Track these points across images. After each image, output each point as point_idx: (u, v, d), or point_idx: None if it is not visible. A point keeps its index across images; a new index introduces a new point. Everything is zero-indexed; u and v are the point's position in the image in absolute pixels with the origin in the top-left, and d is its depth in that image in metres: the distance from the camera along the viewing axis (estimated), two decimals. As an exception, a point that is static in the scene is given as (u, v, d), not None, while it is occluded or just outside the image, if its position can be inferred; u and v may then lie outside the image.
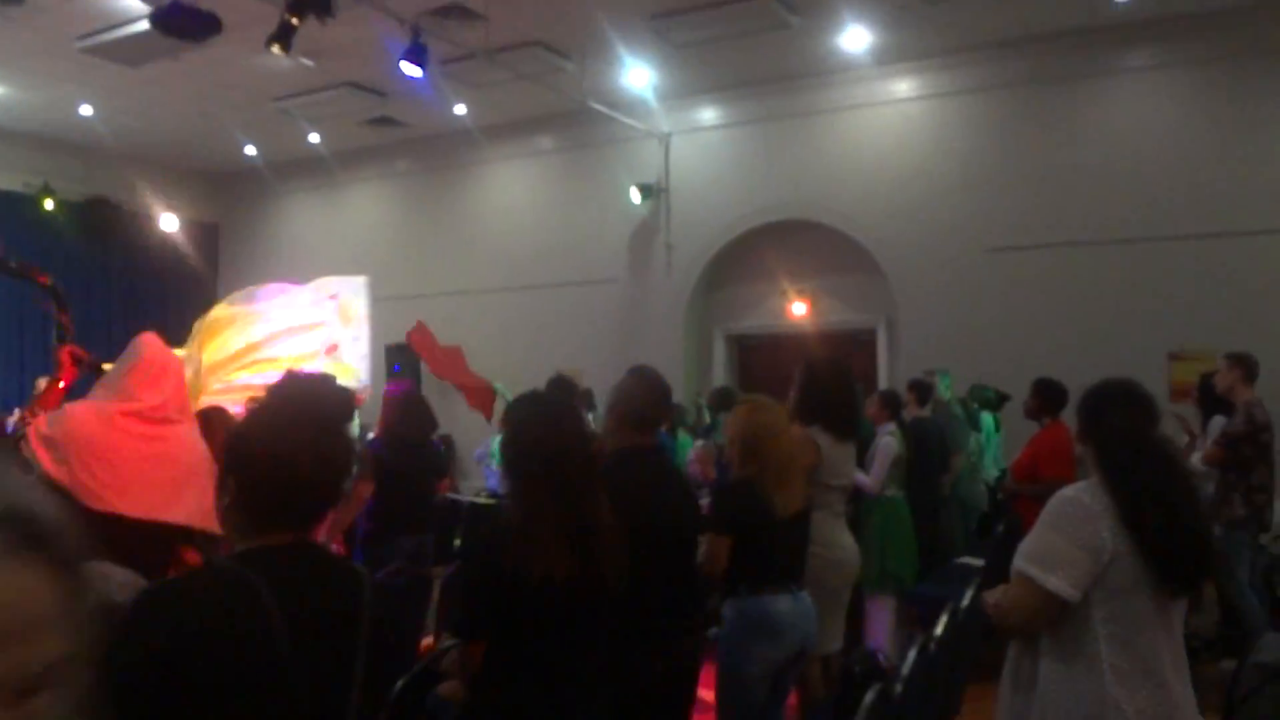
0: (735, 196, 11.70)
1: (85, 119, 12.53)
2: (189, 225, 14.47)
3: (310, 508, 1.89)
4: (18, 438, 3.40)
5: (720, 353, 12.34)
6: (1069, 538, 2.48)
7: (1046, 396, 5.86)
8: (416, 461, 5.85)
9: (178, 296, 14.42)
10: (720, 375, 12.29)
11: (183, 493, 3.43)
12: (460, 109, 12.39)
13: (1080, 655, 2.49)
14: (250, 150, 14.24)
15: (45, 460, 3.22)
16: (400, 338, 12.61)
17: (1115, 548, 2.46)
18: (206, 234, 15.22)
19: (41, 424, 3.26)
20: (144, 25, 9.38)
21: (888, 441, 6.13)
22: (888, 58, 10.63)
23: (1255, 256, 9.37)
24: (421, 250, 13.95)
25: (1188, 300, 9.57)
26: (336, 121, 12.74)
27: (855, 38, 10.07)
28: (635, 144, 12.22)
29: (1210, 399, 6.26)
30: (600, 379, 12.10)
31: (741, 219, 11.69)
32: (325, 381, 1.86)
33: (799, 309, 11.71)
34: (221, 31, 8.07)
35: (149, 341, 3.57)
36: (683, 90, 11.71)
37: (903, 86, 10.87)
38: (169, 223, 14.03)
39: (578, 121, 12.34)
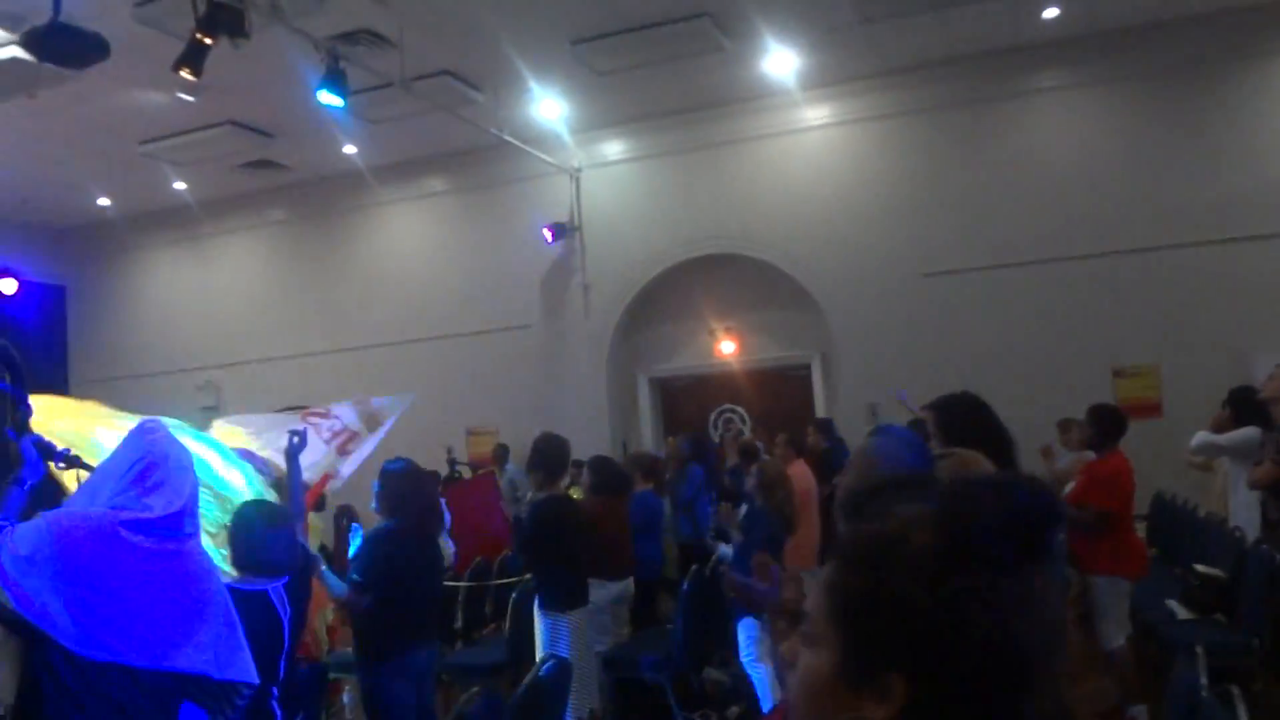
0: (654, 232, 11.55)
1: (-87, 168, 11.44)
2: (32, 287, 13.33)
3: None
4: None
5: (645, 397, 12.08)
6: None
7: (1105, 424, 5.70)
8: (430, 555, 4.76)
9: (26, 368, 13.20)
10: (646, 421, 12.03)
11: (196, 630, 2.79)
12: (350, 149, 11.88)
13: None
14: (103, 201, 13.31)
15: (15, 590, 2.56)
16: (286, 401, 11.85)
17: None
18: (52, 296, 14.06)
19: (10, 540, 2.60)
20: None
21: None
22: (811, 83, 10.73)
23: (1188, 268, 9.76)
24: (307, 306, 13.24)
25: (1128, 316, 9.89)
26: (207, 166, 12.03)
27: (781, 62, 10.13)
28: (544, 181, 11.96)
29: (1246, 408, 6.25)
30: (517, 433, 11.71)
31: (662, 255, 11.53)
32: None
33: (727, 347, 11.59)
34: (109, 56, 7.39)
35: (156, 430, 2.92)
36: (594, 123, 11.55)
37: (827, 111, 11.00)
38: (7, 285, 12.88)
39: (482, 159, 12.01)
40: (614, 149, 11.90)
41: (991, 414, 3.71)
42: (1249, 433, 6.17)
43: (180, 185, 12.82)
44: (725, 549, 5.78)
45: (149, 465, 2.78)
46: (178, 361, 13.58)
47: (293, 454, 4.60)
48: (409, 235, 12.94)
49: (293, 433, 4.66)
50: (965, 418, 3.66)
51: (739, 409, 11.45)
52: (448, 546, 7.63)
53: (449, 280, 12.46)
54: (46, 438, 3.01)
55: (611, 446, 11.31)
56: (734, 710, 6.09)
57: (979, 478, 1.36)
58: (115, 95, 9.80)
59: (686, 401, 12.12)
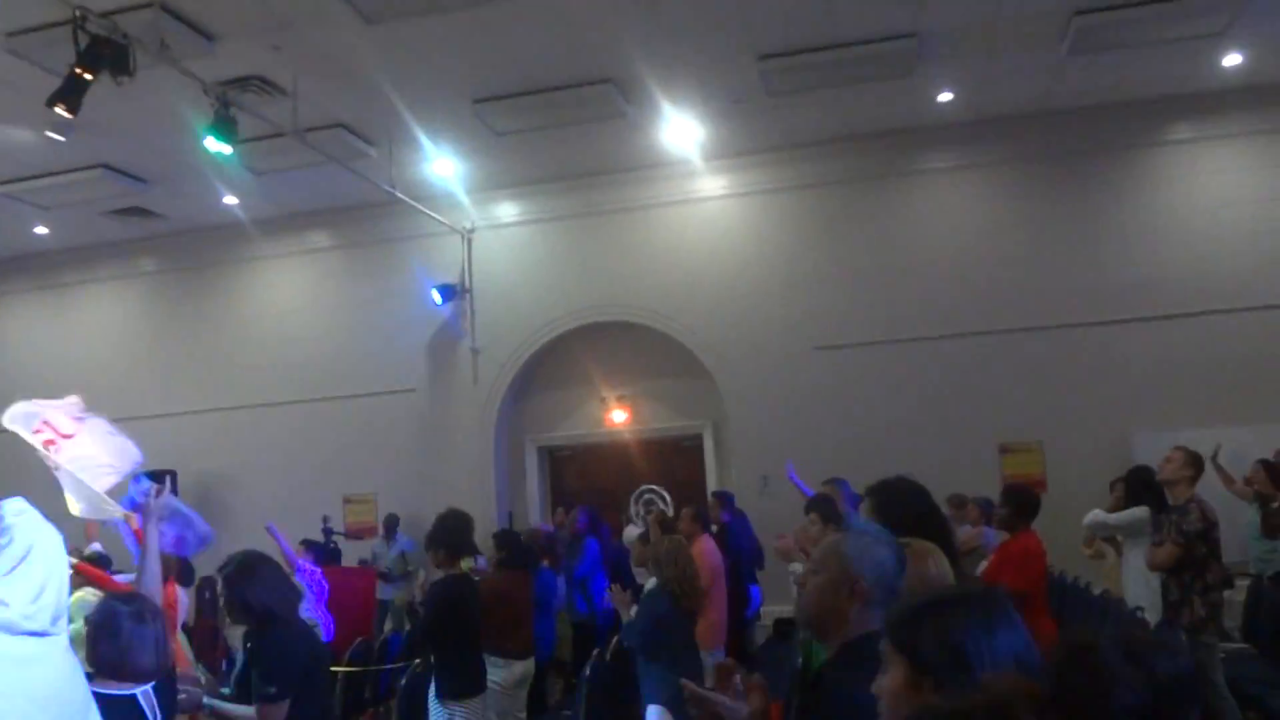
0: (547, 297, 11.32)
1: None
2: None
3: None
4: None
5: (533, 466, 11.73)
6: None
7: (1019, 504, 5.69)
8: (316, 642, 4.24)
9: None
10: (534, 490, 11.67)
11: None
12: (231, 199, 11.36)
13: None
14: (-48, 244, 12.41)
15: None
16: (155, 464, 11.11)
17: None
18: (-109, 344, 12.99)
19: None
20: None
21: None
22: (711, 153, 10.76)
23: (1071, 349, 10.03)
24: (179, 362, 12.51)
25: (1014, 393, 10.08)
26: (73, 211, 11.33)
27: (682, 131, 10.11)
28: (435, 240, 11.63)
29: (1140, 488, 6.34)
30: (399, 502, 11.24)
31: (554, 321, 11.30)
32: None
33: (619, 416, 11.37)
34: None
35: (21, 514, 2.48)
36: (489, 183, 11.32)
37: (725, 182, 11.02)
38: None
39: (371, 215, 11.64)
40: (508, 211, 11.67)
41: (929, 499, 3.55)
42: (1138, 512, 6.30)
43: (42, 230, 12.05)
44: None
45: (9, 551, 2.38)
46: (30, 417, 12.64)
47: (152, 515, 3.65)
48: (290, 291, 12.39)
49: (154, 480, 3.79)
50: (905, 503, 3.47)
51: (659, 489, 11.15)
52: (317, 620, 7.13)
53: (331, 340, 11.94)
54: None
55: (497, 516, 10.95)
56: (636, 803, 5.75)
57: (1104, 639, 1.15)
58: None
59: (575, 471, 11.82)
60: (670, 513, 7.94)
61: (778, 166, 10.86)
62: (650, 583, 5.50)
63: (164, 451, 11.48)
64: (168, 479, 9.21)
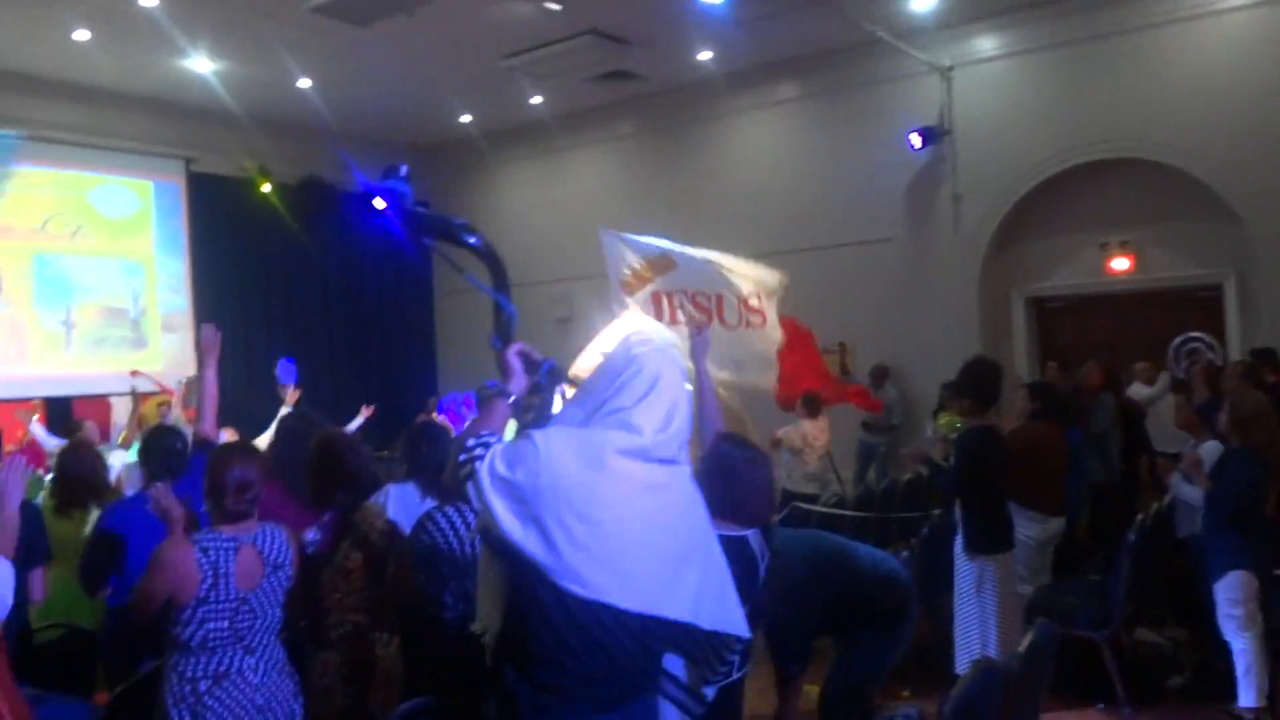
0: (1036, 135, 10.51)
1: (302, 93, 12.28)
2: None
3: None
4: (464, 475, 2.46)
5: (1020, 318, 11.16)
6: None
7: None
8: None
9: (395, 278, 14.19)
10: (1020, 345, 11.13)
11: (684, 572, 2.46)
12: (705, 55, 11.60)
13: None
14: (464, 118, 13.84)
15: (504, 515, 2.35)
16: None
17: None
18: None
19: (497, 459, 2.38)
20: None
21: None
22: (1237, -46, 9.25)
23: None
24: (657, 219, 13.09)
25: None
26: (563, 79, 12.14)
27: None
28: (909, 82, 11.18)
29: None
30: (879, 353, 11.22)
31: (1045, 161, 10.49)
32: None
33: (1120, 264, 10.43)
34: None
35: (646, 343, 2.56)
36: (967, 15, 10.62)
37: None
38: (382, 202, 13.70)
39: (840, 61, 11.44)
40: (990, 44, 10.88)
41: None
42: None
43: (537, 99, 13.07)
44: (1189, 490, 5.02)
45: (638, 380, 2.50)
46: (533, 274, 13.99)
47: (697, 354, 4.20)
48: (761, 145, 12.57)
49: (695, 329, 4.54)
50: None
51: (1206, 336, 10.07)
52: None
53: (804, 192, 11.99)
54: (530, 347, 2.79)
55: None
56: (1176, 680, 5.38)
57: None
58: (484, 8, 9.97)
59: (1067, 325, 11.09)
60: (1220, 364, 7.18)
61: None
62: (1191, 445, 4.99)
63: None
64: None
